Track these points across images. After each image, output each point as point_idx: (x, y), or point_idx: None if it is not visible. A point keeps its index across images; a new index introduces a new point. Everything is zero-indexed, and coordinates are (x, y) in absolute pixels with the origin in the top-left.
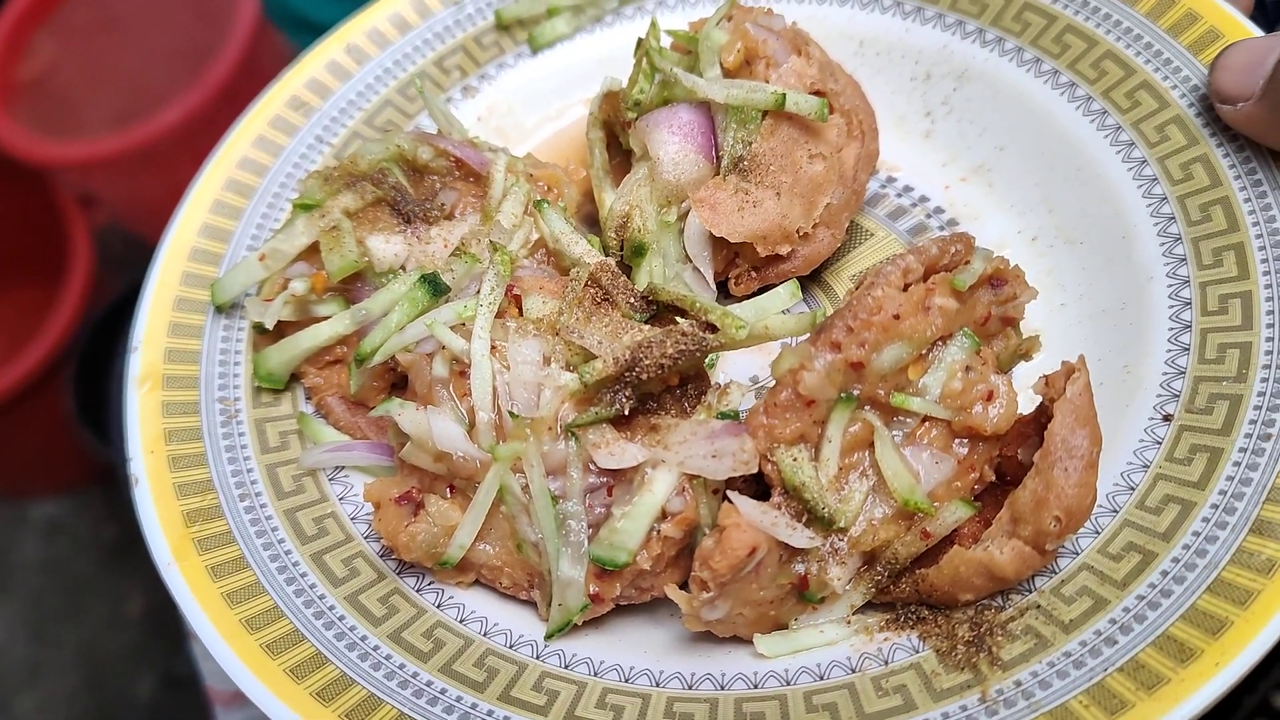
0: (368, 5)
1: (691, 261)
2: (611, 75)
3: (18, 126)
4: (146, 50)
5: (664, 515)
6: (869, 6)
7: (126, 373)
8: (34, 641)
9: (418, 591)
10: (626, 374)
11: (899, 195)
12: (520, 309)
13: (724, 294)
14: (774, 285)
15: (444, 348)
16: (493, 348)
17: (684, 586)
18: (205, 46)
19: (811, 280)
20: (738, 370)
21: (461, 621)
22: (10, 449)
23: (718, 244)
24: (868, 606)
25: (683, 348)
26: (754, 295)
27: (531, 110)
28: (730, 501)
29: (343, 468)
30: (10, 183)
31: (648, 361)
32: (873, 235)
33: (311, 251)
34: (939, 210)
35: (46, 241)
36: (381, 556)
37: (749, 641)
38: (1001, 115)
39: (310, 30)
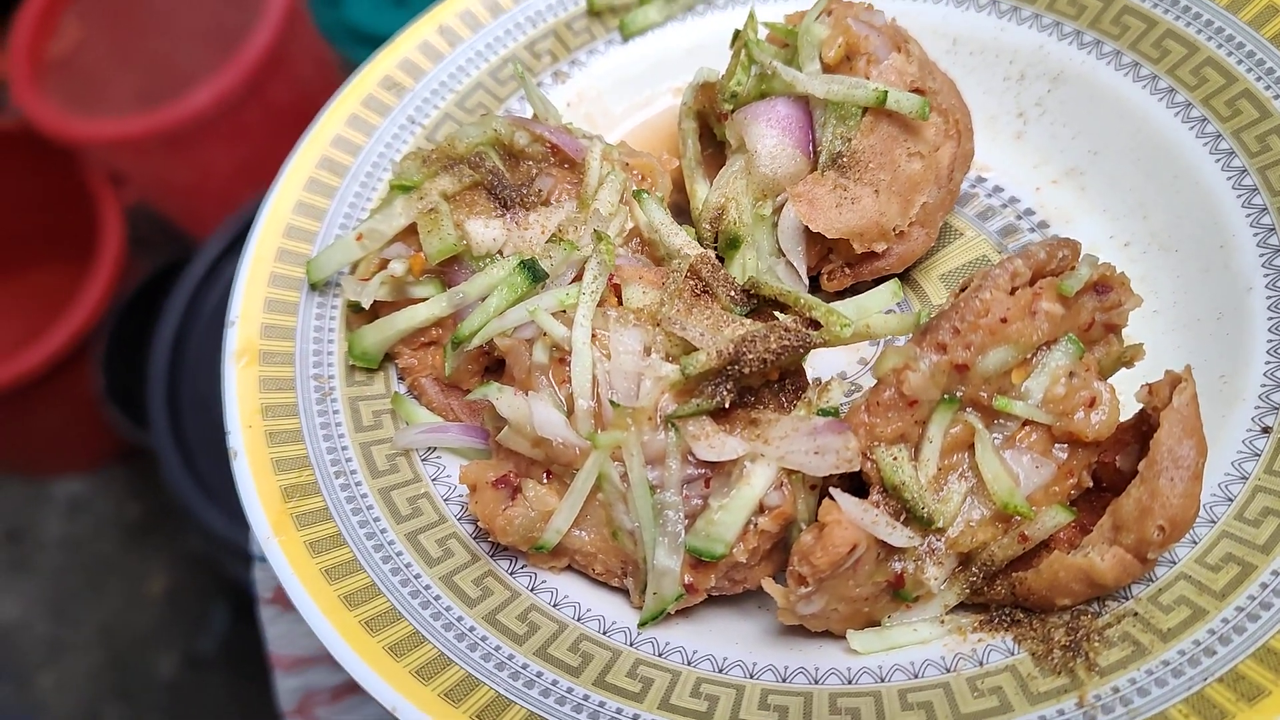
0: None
1: (785, 255)
2: (705, 66)
3: (47, 104)
4: (174, 31)
5: (761, 509)
6: (964, 4)
7: (224, 347)
8: (55, 619)
9: (511, 575)
10: (729, 368)
11: (989, 195)
12: (619, 298)
13: (815, 289)
14: (865, 282)
15: (544, 334)
16: (593, 336)
17: (776, 579)
18: (234, 30)
19: (901, 279)
20: (826, 365)
21: (555, 606)
22: (37, 426)
23: (812, 239)
24: (961, 607)
25: (786, 343)
26: (846, 292)
27: (620, 98)
28: (831, 498)
29: (434, 449)
30: (40, 159)
31: (751, 356)
32: (962, 235)
33: (408, 233)
34: (1029, 212)
35: (76, 219)
36: (475, 538)
37: (841, 637)
38: (1097, 119)
39: (365, 43)
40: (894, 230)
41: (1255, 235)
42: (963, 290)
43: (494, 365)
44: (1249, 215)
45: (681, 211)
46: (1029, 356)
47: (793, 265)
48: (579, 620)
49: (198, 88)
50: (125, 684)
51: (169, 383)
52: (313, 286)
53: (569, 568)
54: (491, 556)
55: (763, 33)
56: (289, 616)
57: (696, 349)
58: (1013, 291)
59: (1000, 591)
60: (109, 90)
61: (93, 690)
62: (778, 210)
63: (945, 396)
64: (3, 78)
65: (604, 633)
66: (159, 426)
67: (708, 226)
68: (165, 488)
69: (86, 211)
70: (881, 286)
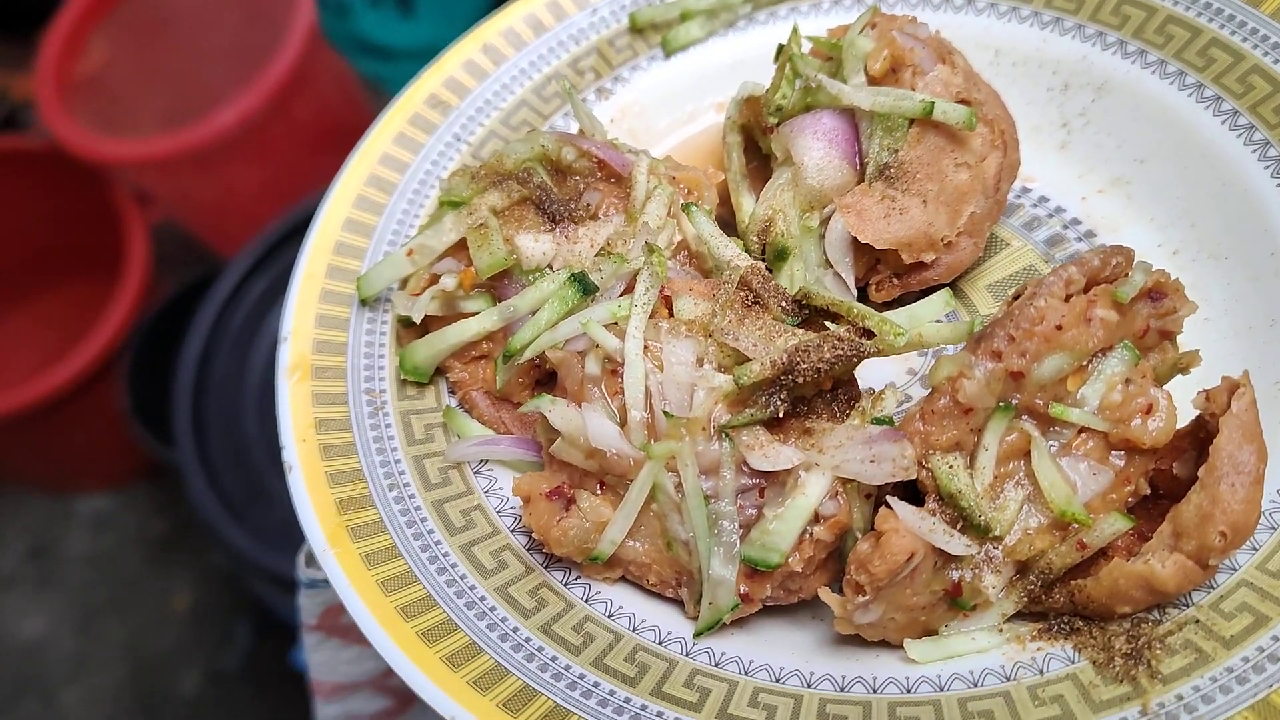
0: (470, 30)
1: (833, 267)
2: (748, 80)
3: (74, 123)
4: (199, 51)
5: (816, 518)
6: (1006, 16)
7: (278, 362)
8: (80, 635)
9: (566, 586)
10: (783, 377)
11: (1034, 205)
12: (670, 310)
13: (863, 299)
14: (914, 292)
15: (597, 346)
16: (645, 347)
17: (832, 588)
18: (258, 51)
19: (949, 288)
20: (876, 375)
21: (610, 617)
22: (62, 443)
23: (859, 250)
24: (1019, 615)
25: (840, 353)
26: (894, 302)
27: (663, 113)
28: (889, 507)
29: (486, 461)
30: (67, 178)
31: (804, 366)
32: (1008, 245)
33: (458, 248)
34: (1076, 222)
35: (102, 238)
36: (529, 550)
37: (897, 646)
38: (1142, 128)
39: (375, 55)
40: (942, 240)
41: None
42: (1016, 298)
43: (545, 378)
44: None
45: (727, 225)
46: (1084, 363)
47: (840, 276)
48: (634, 631)
49: (223, 107)
50: (149, 700)
51: (194, 401)
52: (363, 302)
53: (623, 579)
54: (546, 568)
55: (806, 46)
56: (332, 643)
57: (749, 359)
58: (1067, 299)
59: (1059, 600)
60: (135, 110)
61: (117, 706)
62: (825, 222)
63: (1001, 404)
64: (30, 98)
65: (660, 643)
66: (184, 445)
67: (755, 239)
68: (189, 504)
69: (113, 230)
70: (933, 296)
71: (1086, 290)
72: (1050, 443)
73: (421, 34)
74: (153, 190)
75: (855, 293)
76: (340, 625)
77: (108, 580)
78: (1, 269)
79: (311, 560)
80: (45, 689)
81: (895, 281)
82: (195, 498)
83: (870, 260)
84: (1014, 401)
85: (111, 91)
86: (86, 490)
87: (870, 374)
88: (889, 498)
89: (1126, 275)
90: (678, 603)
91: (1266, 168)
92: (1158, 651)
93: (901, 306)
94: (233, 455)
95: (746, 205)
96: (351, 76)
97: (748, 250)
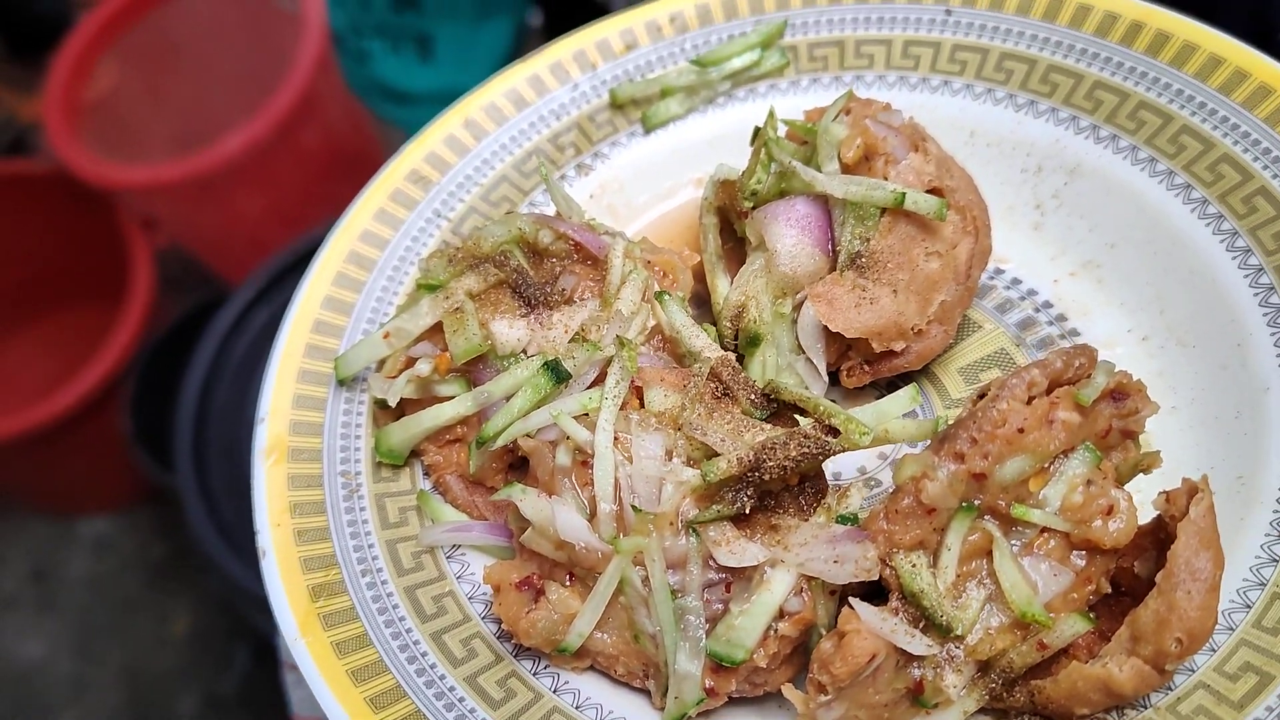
0: (486, 81)
1: (805, 353)
2: (724, 162)
3: (81, 147)
4: (207, 78)
5: (781, 614)
6: (981, 97)
7: (254, 444)
8: (79, 658)
9: (534, 675)
10: (749, 474)
11: (1007, 288)
12: (641, 400)
13: (834, 384)
14: (885, 378)
15: (568, 437)
16: (615, 439)
17: (797, 683)
18: (265, 78)
19: (920, 373)
20: (845, 461)
21: (578, 708)
22: (65, 466)
23: (831, 336)
24: (980, 713)
25: (806, 450)
26: (866, 388)
27: (642, 188)
28: (850, 607)
29: (459, 545)
30: (73, 202)
31: (771, 464)
32: (981, 328)
33: (434, 331)
34: (1048, 305)
35: (108, 262)
36: (498, 637)
37: None
38: (1113, 212)
39: (395, 99)
40: (912, 329)
41: (1272, 334)
42: (980, 398)
43: (518, 462)
44: (1266, 314)
45: (703, 303)
46: (1046, 465)
47: (812, 362)
48: None
49: (229, 134)
50: None
51: (195, 430)
52: (340, 383)
53: (591, 668)
54: (515, 657)
55: (782, 130)
56: None
57: (717, 454)
58: (1030, 401)
59: (1019, 699)
60: (142, 135)
61: None
62: (797, 308)
63: (963, 504)
64: (38, 121)
65: None
66: (184, 473)
67: (729, 324)
68: (189, 529)
69: (118, 254)
70: (900, 392)
71: (1049, 391)
72: (1012, 542)
73: (441, 78)
74: (158, 215)
75: (827, 379)
76: None
77: (107, 603)
78: (6, 292)
79: None
80: (43, 712)
81: (866, 368)
82: (194, 527)
83: (842, 347)
84: (976, 502)
85: (119, 116)
86: (88, 513)
87: (842, 459)
88: (851, 599)
89: (1089, 376)
90: (646, 693)
91: (1234, 257)
92: None
93: (873, 401)
94: (232, 484)
95: (722, 287)
96: (357, 107)
97: (721, 335)
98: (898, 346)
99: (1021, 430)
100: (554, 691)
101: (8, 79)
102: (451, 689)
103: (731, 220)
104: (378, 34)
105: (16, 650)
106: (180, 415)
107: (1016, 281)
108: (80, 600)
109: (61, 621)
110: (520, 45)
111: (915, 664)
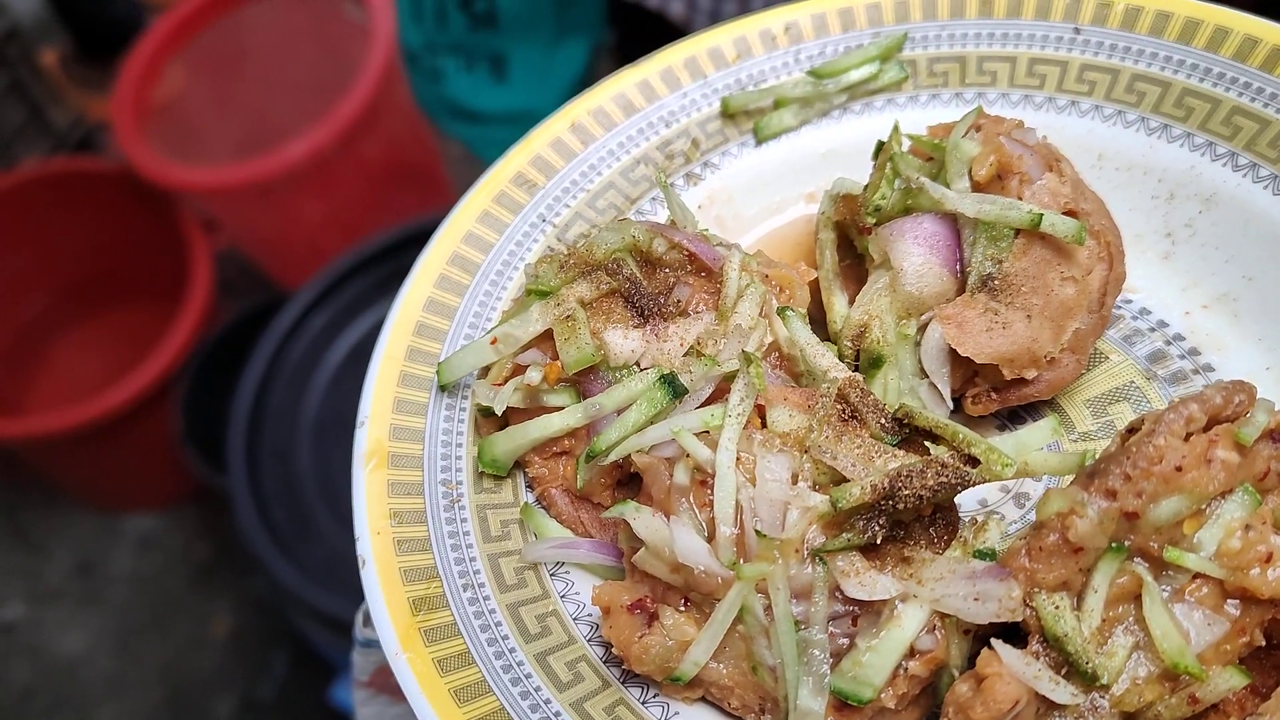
0: (581, 94)
1: (928, 377)
2: (842, 176)
3: (148, 148)
4: (273, 84)
5: (912, 652)
6: (1111, 119)
7: (354, 448)
8: (119, 654)
9: (643, 703)
10: (882, 502)
11: (1135, 318)
12: (763, 420)
13: (957, 410)
14: (1013, 407)
15: (686, 455)
16: (738, 459)
17: None
18: (331, 87)
19: (1045, 404)
20: (966, 494)
21: None
22: (115, 461)
23: (957, 361)
24: None
25: (944, 480)
26: (985, 418)
27: (751, 201)
28: (992, 649)
29: (563, 563)
30: (138, 201)
31: (906, 492)
32: (1108, 359)
33: (542, 338)
34: (1179, 338)
35: (168, 262)
36: (605, 662)
37: None
38: (1251, 244)
39: (467, 119)
40: (1045, 357)
41: None
42: (1129, 433)
43: (627, 479)
44: None
45: (816, 322)
46: (1203, 507)
47: (936, 387)
48: None
49: (293, 140)
50: None
51: (249, 430)
52: (442, 388)
53: (703, 699)
54: (623, 683)
55: (905, 145)
56: (381, 700)
57: (847, 480)
58: (1187, 438)
59: None
60: (207, 138)
61: None
62: (922, 329)
63: (1113, 544)
64: (107, 120)
65: None
66: (236, 473)
67: (849, 344)
68: (235, 530)
69: (178, 254)
70: (1041, 422)
71: (1207, 429)
72: (1163, 587)
73: (515, 99)
74: (219, 217)
75: (951, 405)
76: (390, 684)
77: (149, 601)
78: (69, 287)
79: (368, 620)
80: (81, 707)
81: (993, 396)
82: (244, 528)
83: (968, 372)
84: (1126, 543)
85: (185, 119)
86: (134, 510)
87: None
88: (994, 640)
89: (1248, 414)
90: None
91: None
92: None
93: (992, 418)
94: (284, 487)
95: (839, 306)
96: (421, 119)
97: (841, 355)
98: (1029, 374)
99: (1179, 468)
100: None
101: (79, 79)
102: (558, 714)
103: (850, 236)
104: (452, 53)
105: (58, 643)
106: (234, 416)
107: (1145, 312)
108: (123, 597)
109: (103, 617)
110: (594, 67)
111: (1056, 713)
